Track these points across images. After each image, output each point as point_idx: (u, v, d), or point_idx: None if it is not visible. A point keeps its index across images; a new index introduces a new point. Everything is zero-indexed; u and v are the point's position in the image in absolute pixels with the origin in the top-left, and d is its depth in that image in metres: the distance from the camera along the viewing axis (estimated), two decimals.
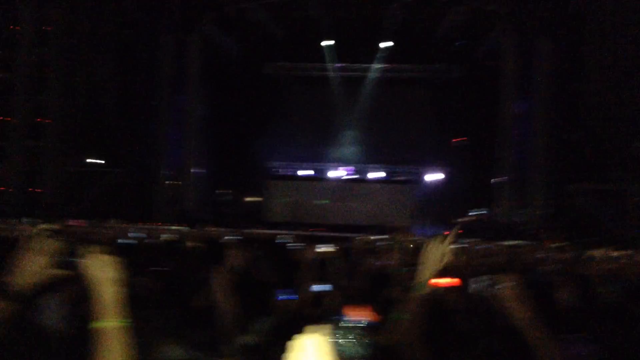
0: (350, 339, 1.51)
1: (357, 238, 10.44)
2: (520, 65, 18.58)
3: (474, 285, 2.21)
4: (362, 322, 1.56)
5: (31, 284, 1.80)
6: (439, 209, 20.46)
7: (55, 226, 7.36)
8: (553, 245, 9.69)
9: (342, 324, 1.55)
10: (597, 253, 7.67)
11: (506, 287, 2.17)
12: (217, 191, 22.13)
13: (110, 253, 1.80)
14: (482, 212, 19.85)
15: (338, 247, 4.47)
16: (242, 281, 4.05)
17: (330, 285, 3.78)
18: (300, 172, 22.50)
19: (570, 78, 16.61)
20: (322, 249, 4.43)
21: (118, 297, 1.75)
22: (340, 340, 1.49)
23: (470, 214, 20.23)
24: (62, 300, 3.27)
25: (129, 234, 7.61)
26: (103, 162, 17.38)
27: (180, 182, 19.44)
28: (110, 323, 1.71)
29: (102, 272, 1.75)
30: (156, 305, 3.67)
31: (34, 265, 1.80)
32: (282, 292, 3.55)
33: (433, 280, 2.43)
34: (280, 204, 20.46)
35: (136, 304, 1.90)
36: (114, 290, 1.75)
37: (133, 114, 18.09)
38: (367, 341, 1.52)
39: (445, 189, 21.13)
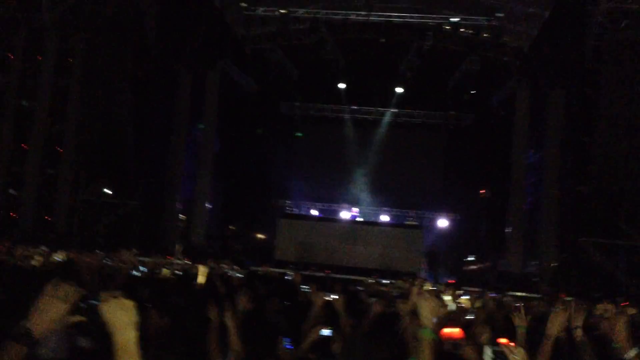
0: None
1: (367, 282, 10.41)
2: (532, 115, 18.71)
3: (490, 355, 2.23)
4: None
5: (50, 329, 1.84)
6: (448, 256, 20.34)
7: (69, 256, 7.41)
8: (567, 299, 9.58)
9: None
10: (609, 308, 7.58)
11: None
12: (227, 226, 22.17)
13: (127, 297, 1.85)
14: (473, 258, 19.75)
15: (344, 296, 4.48)
16: (250, 321, 4.06)
17: (331, 331, 3.79)
18: (311, 212, 22.54)
19: (583, 130, 16.67)
20: (330, 297, 4.45)
21: (135, 340, 1.79)
22: None
23: (468, 259, 20.12)
24: (65, 333, 3.30)
25: (139, 268, 7.64)
26: (116, 193, 17.51)
27: (189, 216, 19.50)
28: None
29: (121, 316, 1.79)
30: (165, 343, 3.68)
31: (54, 311, 1.83)
32: (288, 341, 3.56)
33: (440, 330, 2.52)
34: (290, 243, 20.42)
35: (146, 342, 1.93)
36: (132, 334, 1.79)
37: (148, 147, 18.30)
38: None
39: (455, 236, 21.04)
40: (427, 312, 2.49)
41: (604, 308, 6.80)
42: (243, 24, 18.80)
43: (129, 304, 1.83)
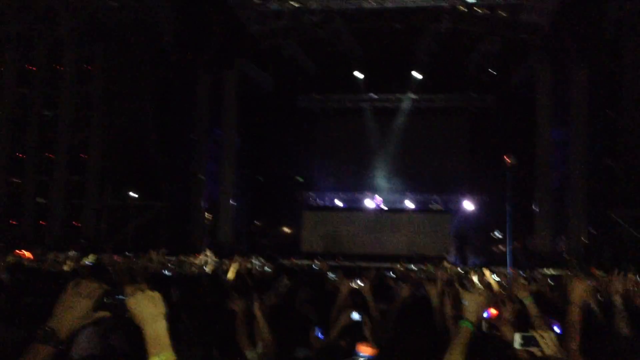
0: None
1: (396, 268, 10.39)
2: (555, 93, 18.39)
3: (519, 341, 2.20)
4: (368, 357, 1.78)
5: (76, 327, 1.83)
6: (475, 238, 20.16)
7: (99, 260, 7.55)
8: (599, 274, 9.42)
9: None
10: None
11: (548, 345, 2.15)
12: (253, 222, 22.32)
13: (152, 289, 1.84)
14: (500, 236, 19.52)
15: (371, 282, 4.47)
16: (280, 313, 4.09)
17: (361, 315, 3.79)
18: (336, 202, 22.55)
19: (608, 104, 16.34)
20: (357, 283, 4.44)
21: (166, 331, 1.78)
22: None
23: (495, 235, 19.89)
24: (95, 332, 3.36)
25: (169, 266, 7.73)
26: (142, 196, 17.76)
27: (215, 214, 19.70)
28: (162, 357, 1.73)
29: (149, 308, 1.79)
30: (196, 340, 3.73)
31: (78, 308, 1.83)
32: (319, 330, 3.57)
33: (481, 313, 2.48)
34: (316, 234, 20.46)
35: (178, 340, 1.94)
36: (161, 325, 1.78)
37: (171, 149, 18.51)
38: None
39: (482, 218, 20.83)
40: (473, 306, 2.43)
41: (634, 280, 6.65)
42: (257, 20, 18.80)
43: (156, 295, 1.82)
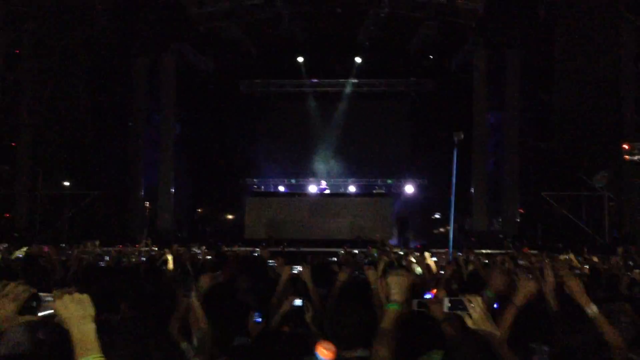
0: None
1: (340, 253, 10.47)
2: (491, 76, 18.90)
3: (447, 305, 2.25)
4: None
5: (1, 330, 1.82)
6: (416, 221, 20.60)
7: (29, 252, 7.24)
8: (530, 252, 9.81)
9: None
10: (571, 258, 7.78)
11: (475, 309, 2.21)
12: (194, 210, 21.99)
13: (80, 291, 1.82)
14: (439, 216, 20.09)
15: (310, 267, 4.48)
16: (219, 300, 4.02)
17: (302, 301, 3.79)
18: (279, 188, 22.50)
19: (541, 88, 16.94)
20: (297, 269, 4.44)
21: (94, 333, 1.76)
22: None
23: (434, 217, 20.43)
24: (26, 328, 3.23)
25: (104, 257, 7.51)
26: (77, 184, 17.15)
27: (156, 202, 19.26)
28: (90, 359, 1.71)
29: (76, 311, 1.76)
30: (132, 332, 3.62)
31: (4, 312, 1.81)
32: (258, 315, 3.54)
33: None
34: (259, 221, 20.37)
35: (111, 332, 1.90)
36: (89, 327, 1.76)
37: (107, 135, 17.94)
38: None
39: (423, 201, 21.29)
40: (397, 288, 2.50)
41: (565, 258, 6.97)
42: (196, 3, 18.34)
43: (84, 297, 1.81)
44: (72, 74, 17.40)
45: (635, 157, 14.40)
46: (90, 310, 1.78)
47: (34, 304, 1.86)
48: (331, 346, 2.21)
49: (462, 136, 8.29)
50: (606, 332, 2.61)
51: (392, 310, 2.46)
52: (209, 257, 8.86)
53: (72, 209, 16.83)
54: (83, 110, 17.23)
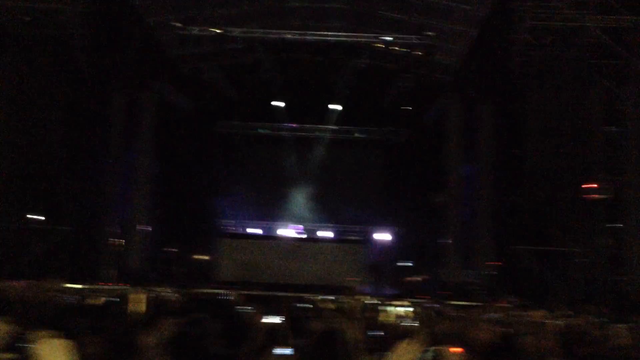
0: None
1: (314, 299, 10.35)
2: (465, 129, 19.31)
3: (421, 356, 2.27)
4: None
5: None
6: (389, 269, 20.56)
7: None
8: (501, 306, 9.84)
9: None
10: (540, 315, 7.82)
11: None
12: (166, 249, 21.58)
13: (59, 336, 1.76)
14: (409, 264, 20.11)
15: (289, 319, 4.43)
16: (185, 347, 3.91)
17: (291, 350, 3.73)
18: (251, 231, 22.31)
19: (513, 143, 17.34)
20: (271, 319, 4.39)
21: None
22: None
23: (398, 264, 20.42)
24: None
25: (69, 295, 7.30)
26: (46, 219, 16.75)
27: (125, 240, 18.87)
28: None
29: (58, 358, 1.70)
30: None
31: None
32: None
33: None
34: (231, 263, 20.09)
35: None
36: None
37: (80, 170, 17.67)
38: None
39: (395, 249, 21.33)
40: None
41: (537, 315, 7.01)
42: (177, 44, 18.54)
43: (66, 343, 1.75)
44: (47, 107, 17.23)
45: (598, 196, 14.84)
46: (72, 356, 1.72)
47: (16, 343, 1.81)
48: None
49: (444, 199, 8.38)
50: None
51: None
52: (178, 298, 8.68)
53: (40, 244, 16.38)
54: (57, 145, 16.99)
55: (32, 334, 1.74)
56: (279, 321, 4.32)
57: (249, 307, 6.23)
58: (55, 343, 1.70)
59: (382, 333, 5.26)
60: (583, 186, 15.21)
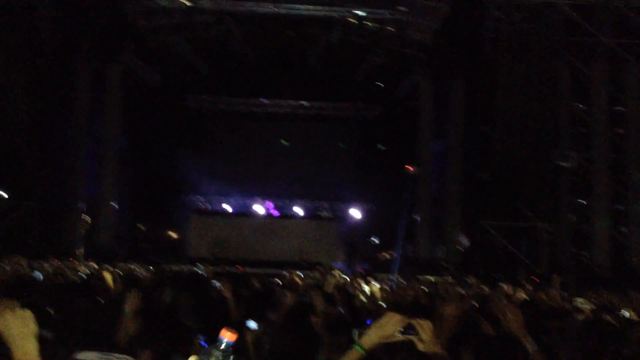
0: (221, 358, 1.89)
1: (284, 275, 10.39)
2: (436, 105, 19.46)
3: (399, 329, 2.30)
4: (230, 342, 1.92)
5: None
6: (362, 245, 20.76)
7: None
8: (474, 282, 10.02)
9: (217, 346, 1.91)
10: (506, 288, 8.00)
11: (426, 332, 2.26)
12: (135, 225, 21.34)
13: (24, 305, 1.74)
14: (377, 241, 20.34)
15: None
16: (161, 321, 3.89)
17: (257, 324, 3.72)
18: (224, 207, 22.22)
19: (483, 119, 17.54)
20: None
21: (36, 351, 1.70)
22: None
23: (371, 241, 20.65)
24: None
25: (36, 272, 7.18)
26: (11, 195, 16.38)
27: (93, 216, 18.58)
28: None
29: (19, 328, 1.68)
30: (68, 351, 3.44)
31: None
32: (203, 338, 3.43)
33: None
34: (203, 239, 20.03)
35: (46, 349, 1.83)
36: (32, 346, 1.69)
37: (46, 145, 17.26)
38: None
39: (368, 225, 21.50)
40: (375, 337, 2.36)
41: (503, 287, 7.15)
42: (145, 15, 18.06)
43: (26, 313, 1.73)
44: (9, 80, 16.74)
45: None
46: (33, 327, 1.72)
47: None
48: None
49: (417, 170, 8.46)
50: None
51: (356, 352, 2.33)
52: (149, 275, 8.62)
53: (4, 220, 16.04)
54: (21, 119, 16.55)
55: None
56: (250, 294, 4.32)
57: (219, 283, 6.21)
58: (15, 314, 1.67)
59: (355, 308, 5.31)
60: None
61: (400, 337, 2.30)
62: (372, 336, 2.30)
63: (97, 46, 18.16)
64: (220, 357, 1.90)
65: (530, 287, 8.57)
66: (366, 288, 6.59)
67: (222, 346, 1.92)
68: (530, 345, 2.72)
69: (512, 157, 16.28)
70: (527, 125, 16.18)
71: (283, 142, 22.50)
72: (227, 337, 1.95)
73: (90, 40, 17.87)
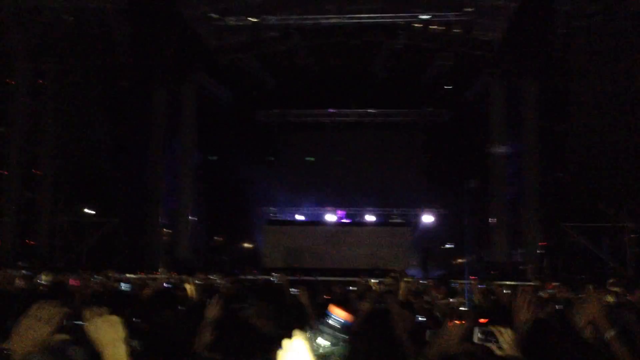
0: (330, 337, 1.58)
1: (357, 282, 10.41)
2: (508, 106, 18.89)
3: (478, 335, 2.26)
4: (342, 321, 1.61)
5: (32, 351, 1.80)
6: (435, 251, 20.44)
7: (56, 278, 7.32)
8: (555, 285, 9.68)
9: (325, 323, 1.63)
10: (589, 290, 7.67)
11: (506, 340, 2.22)
12: (212, 238, 22.03)
13: (113, 313, 1.82)
14: (452, 246, 19.87)
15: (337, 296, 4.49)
16: (239, 330, 4.03)
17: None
18: (296, 217, 22.51)
19: (557, 118, 16.90)
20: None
21: (125, 356, 1.77)
22: (320, 339, 1.58)
23: (446, 247, 20.20)
24: (55, 348, 3.25)
25: (123, 285, 7.55)
26: (98, 212, 17.36)
27: (173, 230, 19.34)
28: None
29: (108, 333, 1.76)
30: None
31: (37, 333, 1.81)
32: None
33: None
34: (277, 249, 20.36)
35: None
36: (121, 350, 1.77)
37: (127, 164, 18.17)
38: (344, 339, 1.61)
39: (441, 231, 21.15)
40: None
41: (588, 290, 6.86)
42: (215, 35, 18.70)
43: (115, 319, 1.80)
44: (93, 104, 17.77)
45: None
46: (122, 332, 1.79)
47: (67, 323, 1.86)
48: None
49: (477, 184, 8.26)
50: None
51: None
52: (227, 285, 8.86)
53: (92, 236, 16.99)
54: (104, 140, 17.52)
55: (86, 312, 1.82)
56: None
57: (296, 290, 6.33)
58: (105, 320, 1.77)
59: (430, 315, 5.28)
60: None
61: (478, 343, 2.28)
62: (435, 347, 2.32)
63: (172, 67, 18.93)
64: (331, 336, 1.60)
65: (619, 290, 8.17)
66: (438, 294, 6.52)
67: (334, 322, 1.61)
68: (608, 332, 2.66)
69: (590, 155, 15.58)
70: (603, 121, 15.45)
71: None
72: (339, 314, 1.64)
73: (166, 62, 18.67)
